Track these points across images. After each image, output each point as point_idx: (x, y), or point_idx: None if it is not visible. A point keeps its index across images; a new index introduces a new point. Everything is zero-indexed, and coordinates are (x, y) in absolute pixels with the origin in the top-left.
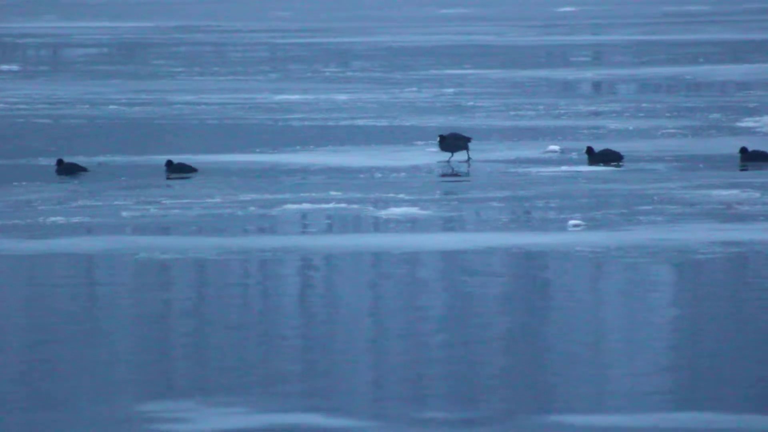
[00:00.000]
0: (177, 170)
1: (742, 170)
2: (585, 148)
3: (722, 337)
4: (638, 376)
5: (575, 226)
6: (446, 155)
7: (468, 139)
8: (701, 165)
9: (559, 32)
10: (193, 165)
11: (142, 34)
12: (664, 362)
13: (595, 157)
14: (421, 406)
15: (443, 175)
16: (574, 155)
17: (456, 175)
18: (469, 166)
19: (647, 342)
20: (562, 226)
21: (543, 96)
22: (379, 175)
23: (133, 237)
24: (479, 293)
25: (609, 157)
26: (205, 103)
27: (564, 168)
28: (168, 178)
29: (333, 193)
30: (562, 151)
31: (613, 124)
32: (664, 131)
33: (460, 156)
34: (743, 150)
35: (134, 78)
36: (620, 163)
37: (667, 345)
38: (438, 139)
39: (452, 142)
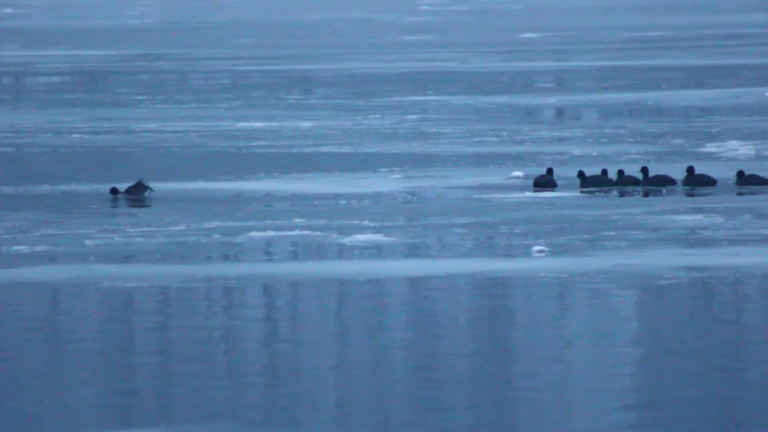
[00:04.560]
0: None
1: (639, 194)
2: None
3: (686, 361)
4: (601, 401)
5: (539, 251)
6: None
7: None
8: (664, 190)
9: (522, 58)
10: None
11: (105, 63)
12: (627, 387)
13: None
14: None
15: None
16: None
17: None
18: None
19: (611, 367)
20: (526, 252)
21: (506, 122)
22: (344, 201)
23: (97, 265)
24: (444, 320)
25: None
26: (169, 131)
27: (528, 194)
28: None
29: (297, 220)
30: (526, 177)
31: (576, 150)
32: (627, 156)
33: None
34: (644, 169)
35: (97, 106)
36: (554, 189)
37: (630, 370)
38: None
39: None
